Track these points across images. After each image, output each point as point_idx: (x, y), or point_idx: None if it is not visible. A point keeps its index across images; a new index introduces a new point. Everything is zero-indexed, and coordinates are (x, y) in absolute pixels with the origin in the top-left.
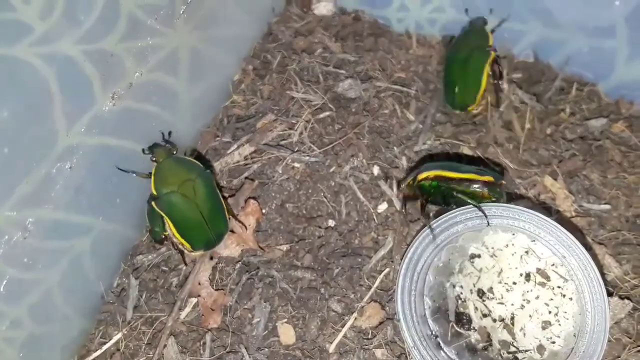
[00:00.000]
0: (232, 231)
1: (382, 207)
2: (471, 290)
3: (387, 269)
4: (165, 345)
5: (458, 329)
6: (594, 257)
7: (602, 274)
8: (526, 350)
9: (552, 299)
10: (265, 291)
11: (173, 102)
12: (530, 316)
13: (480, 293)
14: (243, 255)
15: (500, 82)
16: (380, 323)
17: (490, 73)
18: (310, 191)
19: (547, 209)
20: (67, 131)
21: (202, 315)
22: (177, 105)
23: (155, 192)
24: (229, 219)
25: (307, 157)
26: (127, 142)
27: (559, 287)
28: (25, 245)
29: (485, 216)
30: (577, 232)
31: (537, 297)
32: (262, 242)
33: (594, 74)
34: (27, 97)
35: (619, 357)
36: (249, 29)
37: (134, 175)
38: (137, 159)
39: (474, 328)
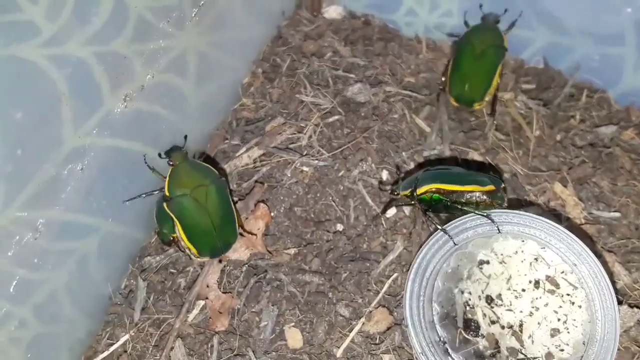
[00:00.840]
0: (241, 234)
1: (391, 211)
2: (479, 296)
3: (396, 274)
4: (172, 348)
5: (466, 336)
6: (604, 264)
7: (612, 282)
8: (534, 358)
9: (561, 307)
10: (273, 295)
11: (183, 105)
12: (538, 323)
13: (489, 300)
14: (251, 258)
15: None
16: (388, 328)
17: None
18: (318, 195)
19: (557, 216)
20: (79, 133)
21: (210, 317)
22: (186, 108)
23: (168, 194)
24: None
25: (316, 161)
26: (137, 143)
27: (568, 294)
28: (36, 246)
29: (496, 225)
30: (587, 240)
31: (546, 305)
32: (270, 245)
33: (604, 81)
34: (38, 99)
35: None
36: (258, 32)
37: (152, 172)
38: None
39: (482, 335)
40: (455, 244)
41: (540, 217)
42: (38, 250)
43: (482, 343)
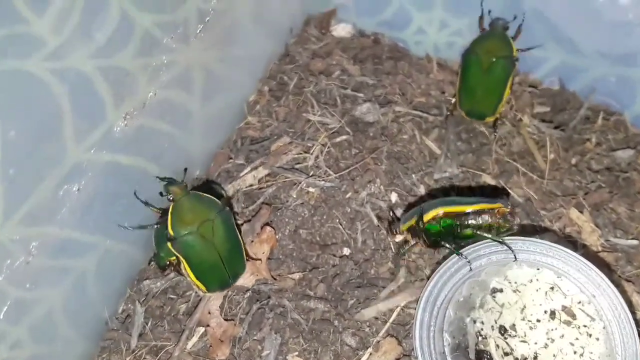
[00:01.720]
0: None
1: (400, 236)
2: (492, 326)
3: (405, 302)
4: None
5: None
6: (622, 294)
7: (632, 313)
8: None
9: (577, 339)
10: (276, 322)
11: (186, 122)
12: (554, 356)
13: (502, 330)
14: (255, 284)
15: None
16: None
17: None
18: (325, 217)
19: (573, 243)
20: (77, 151)
21: (210, 346)
22: (190, 125)
23: (172, 233)
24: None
25: (323, 182)
26: (138, 162)
27: (585, 326)
28: (29, 268)
29: (512, 252)
30: (604, 269)
31: (562, 336)
32: (274, 269)
33: (620, 103)
34: (37, 115)
35: None
36: (265, 49)
37: (145, 205)
38: (147, 181)
39: None
40: (471, 269)
41: (558, 245)
42: (31, 272)
43: None
